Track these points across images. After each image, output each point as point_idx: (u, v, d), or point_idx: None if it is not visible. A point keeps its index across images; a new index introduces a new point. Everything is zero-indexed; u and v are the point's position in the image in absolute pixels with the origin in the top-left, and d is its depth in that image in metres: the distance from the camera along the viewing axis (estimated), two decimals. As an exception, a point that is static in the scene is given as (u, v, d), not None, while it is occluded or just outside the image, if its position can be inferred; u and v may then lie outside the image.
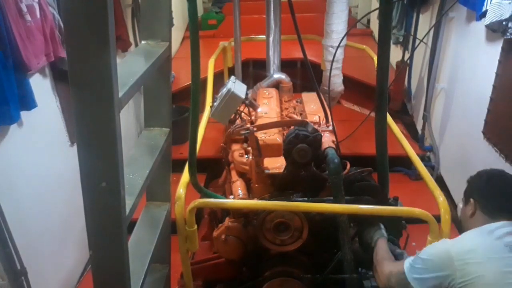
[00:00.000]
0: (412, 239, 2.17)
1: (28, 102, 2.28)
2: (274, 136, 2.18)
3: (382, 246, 1.80)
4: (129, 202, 1.33)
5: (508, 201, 1.51)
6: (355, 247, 2.06)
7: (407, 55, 4.27)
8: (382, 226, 1.92)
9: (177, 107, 3.91)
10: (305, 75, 3.47)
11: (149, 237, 1.75)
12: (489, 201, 1.53)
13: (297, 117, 2.63)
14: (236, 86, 2.11)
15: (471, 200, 1.58)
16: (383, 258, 1.73)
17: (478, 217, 1.53)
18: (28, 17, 2.22)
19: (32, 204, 2.44)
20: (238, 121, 2.58)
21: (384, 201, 2.00)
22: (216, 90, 2.52)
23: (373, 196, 1.99)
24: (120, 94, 1.15)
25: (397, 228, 2.00)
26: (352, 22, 3.61)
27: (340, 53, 3.51)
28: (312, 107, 2.77)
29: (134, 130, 4.14)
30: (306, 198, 2.04)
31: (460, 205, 1.66)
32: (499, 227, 1.43)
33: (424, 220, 1.78)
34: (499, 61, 2.65)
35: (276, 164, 2.19)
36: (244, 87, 2.22)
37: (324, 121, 2.47)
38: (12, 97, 2.12)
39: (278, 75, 3.30)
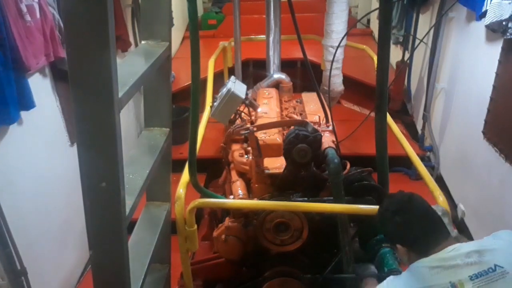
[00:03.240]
0: (412, 239, 2.16)
1: (26, 102, 2.28)
2: (274, 136, 2.18)
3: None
4: (129, 202, 1.33)
5: (429, 228, 1.42)
6: (355, 247, 2.06)
7: (407, 55, 4.27)
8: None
9: (177, 107, 3.91)
10: (305, 75, 3.48)
11: (149, 237, 1.75)
12: (414, 241, 1.43)
13: (297, 117, 2.63)
14: (236, 86, 2.12)
15: (398, 246, 1.51)
16: None
17: (415, 258, 1.42)
18: (28, 17, 2.22)
19: (32, 204, 2.44)
20: (238, 121, 2.58)
21: (384, 201, 2.00)
22: (216, 90, 2.52)
23: (373, 196, 1.99)
24: (120, 94, 1.15)
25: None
26: (352, 22, 3.61)
27: (340, 53, 3.51)
28: (312, 107, 2.77)
29: (134, 130, 4.14)
30: (306, 198, 2.04)
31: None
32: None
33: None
34: (499, 61, 2.65)
35: (276, 164, 2.19)
36: (244, 87, 2.22)
37: (324, 121, 2.47)
38: (11, 97, 2.13)
39: (278, 75, 3.30)
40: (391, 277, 1.47)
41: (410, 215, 1.45)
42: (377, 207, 1.90)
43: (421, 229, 1.42)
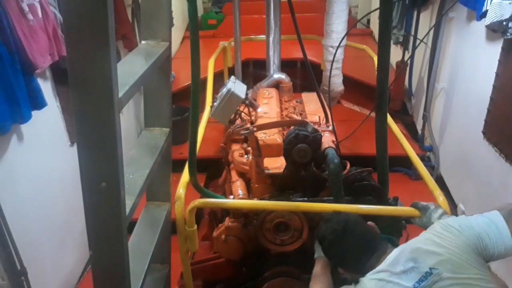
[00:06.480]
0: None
1: (38, 102, 2.29)
2: (274, 136, 2.18)
3: (319, 266, 1.76)
4: (129, 202, 1.33)
5: (365, 251, 1.48)
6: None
7: (407, 55, 4.27)
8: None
9: (177, 107, 3.91)
10: (305, 75, 3.48)
11: (149, 237, 1.75)
12: (353, 266, 1.50)
13: (297, 117, 2.63)
14: (236, 86, 2.11)
15: (339, 269, 1.57)
16: (316, 276, 1.71)
17: (356, 277, 1.48)
18: (30, 16, 2.22)
19: (32, 204, 2.44)
20: (238, 121, 2.58)
21: (384, 201, 2.00)
22: (216, 90, 2.52)
23: (373, 196, 1.99)
24: (120, 94, 1.15)
25: (397, 228, 2.00)
26: (352, 22, 3.62)
27: (340, 53, 3.51)
28: (312, 107, 2.77)
29: (134, 130, 4.14)
30: (306, 198, 2.04)
31: None
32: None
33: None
34: (499, 61, 2.66)
35: (276, 164, 2.19)
36: (244, 87, 2.22)
37: (324, 121, 2.47)
38: (22, 96, 2.13)
39: (278, 75, 3.30)
40: None
41: (347, 243, 1.51)
42: (377, 207, 1.91)
43: (359, 254, 1.48)
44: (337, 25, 3.40)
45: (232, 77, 2.27)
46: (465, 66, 3.28)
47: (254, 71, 5.03)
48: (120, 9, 3.35)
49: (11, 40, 2.04)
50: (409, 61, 4.19)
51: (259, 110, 2.57)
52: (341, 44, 3.26)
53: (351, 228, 1.53)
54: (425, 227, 1.74)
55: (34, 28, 2.25)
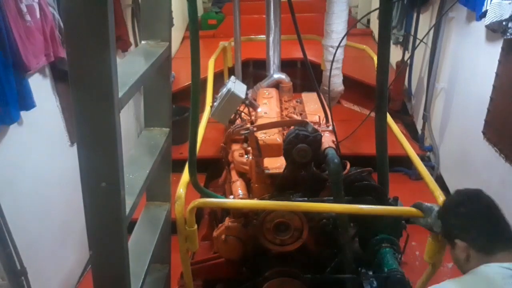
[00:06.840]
0: (412, 239, 2.17)
1: (27, 102, 2.28)
2: (274, 136, 2.18)
3: None
4: (129, 202, 1.33)
5: (495, 224, 1.33)
6: (355, 247, 2.07)
7: (407, 55, 4.27)
8: None
9: (177, 107, 3.91)
10: (305, 75, 3.48)
11: (149, 237, 1.75)
12: (477, 235, 1.32)
13: (297, 117, 2.63)
14: (236, 86, 2.12)
15: (457, 242, 1.36)
16: None
17: (474, 258, 1.31)
18: (28, 17, 2.22)
19: (32, 204, 2.44)
20: (238, 121, 2.58)
21: (384, 201, 2.00)
22: (216, 90, 2.52)
23: (373, 196, 1.99)
24: (120, 94, 1.15)
25: (397, 228, 2.00)
26: (352, 22, 3.61)
27: (340, 53, 3.51)
28: (312, 107, 2.77)
29: (134, 130, 4.14)
30: (306, 198, 2.04)
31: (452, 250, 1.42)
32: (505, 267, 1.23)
33: (424, 220, 1.76)
34: (499, 61, 2.66)
35: (276, 164, 2.19)
36: (244, 87, 2.22)
37: (324, 121, 2.47)
38: (11, 97, 2.13)
39: (278, 75, 3.30)
40: (449, 282, 1.32)
41: (475, 206, 1.39)
42: (377, 207, 1.91)
43: (485, 223, 1.34)
44: (337, 25, 3.40)
45: (232, 77, 2.27)
46: (465, 66, 3.28)
47: (254, 71, 5.03)
48: (116, 10, 3.35)
49: (6, 41, 2.05)
50: (409, 61, 4.19)
51: (259, 110, 2.57)
52: (341, 44, 3.27)
53: (484, 195, 1.43)
54: (430, 228, 1.74)
55: (30, 29, 2.25)
